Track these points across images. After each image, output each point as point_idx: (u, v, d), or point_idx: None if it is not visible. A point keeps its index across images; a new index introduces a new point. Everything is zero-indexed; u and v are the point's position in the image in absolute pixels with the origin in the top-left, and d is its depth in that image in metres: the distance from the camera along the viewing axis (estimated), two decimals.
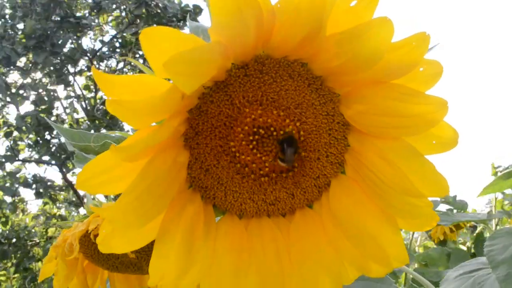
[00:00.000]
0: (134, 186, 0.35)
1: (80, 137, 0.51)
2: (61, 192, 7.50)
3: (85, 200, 0.73)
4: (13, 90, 6.85)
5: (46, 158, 6.81)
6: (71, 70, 7.18)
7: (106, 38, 7.49)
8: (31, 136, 6.82)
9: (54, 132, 6.63)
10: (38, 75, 7.11)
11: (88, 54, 7.19)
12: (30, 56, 6.58)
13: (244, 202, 0.43)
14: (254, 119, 0.39)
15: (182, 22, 6.36)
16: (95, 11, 7.01)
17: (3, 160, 6.69)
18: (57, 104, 7.15)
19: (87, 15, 7.12)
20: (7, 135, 6.81)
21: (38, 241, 6.82)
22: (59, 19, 6.36)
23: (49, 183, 6.94)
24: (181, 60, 0.30)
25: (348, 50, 0.35)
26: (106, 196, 0.75)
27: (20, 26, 6.49)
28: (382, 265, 0.41)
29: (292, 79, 0.39)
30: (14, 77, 7.11)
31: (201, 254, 0.39)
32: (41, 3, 6.22)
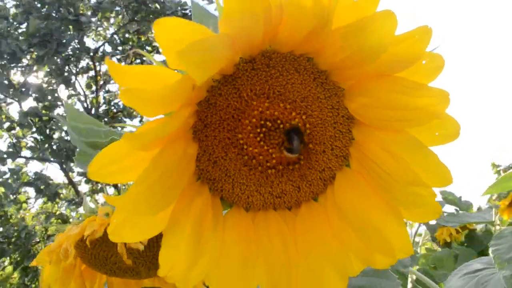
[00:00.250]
0: (146, 176, 0.35)
1: (87, 132, 0.51)
2: (62, 189, 7.49)
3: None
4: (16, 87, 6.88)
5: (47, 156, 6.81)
6: (73, 70, 7.23)
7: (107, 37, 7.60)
8: (33, 130, 6.82)
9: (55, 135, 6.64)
10: (40, 74, 7.16)
11: (91, 53, 7.23)
12: (33, 55, 6.62)
13: (251, 195, 0.43)
14: (261, 111, 0.40)
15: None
16: (97, 12, 7.09)
17: (5, 156, 6.68)
18: (58, 104, 7.18)
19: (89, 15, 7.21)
20: (9, 129, 6.82)
21: (38, 240, 6.76)
22: (63, 18, 6.41)
23: (50, 181, 6.91)
24: (194, 49, 0.31)
25: (353, 43, 0.36)
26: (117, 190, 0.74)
27: (24, 26, 6.53)
28: (387, 255, 0.41)
29: (298, 73, 0.40)
30: (17, 75, 7.17)
31: (210, 245, 0.40)
32: (46, 2, 6.27)
